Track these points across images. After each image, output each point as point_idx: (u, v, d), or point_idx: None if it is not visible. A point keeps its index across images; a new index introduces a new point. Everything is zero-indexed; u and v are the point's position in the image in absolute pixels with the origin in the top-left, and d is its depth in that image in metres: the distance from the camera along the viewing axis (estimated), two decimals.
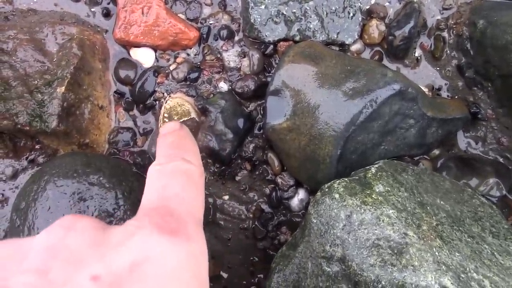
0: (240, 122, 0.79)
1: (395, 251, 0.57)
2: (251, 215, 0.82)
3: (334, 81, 0.73)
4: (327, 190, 0.65)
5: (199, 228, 0.38)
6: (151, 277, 0.30)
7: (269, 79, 0.81)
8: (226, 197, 0.82)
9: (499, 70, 0.75)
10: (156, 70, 0.84)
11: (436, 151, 0.82)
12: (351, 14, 0.80)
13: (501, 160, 0.81)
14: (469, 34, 0.79)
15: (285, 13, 0.79)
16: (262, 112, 0.82)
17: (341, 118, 0.71)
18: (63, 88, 0.75)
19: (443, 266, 0.56)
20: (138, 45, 0.83)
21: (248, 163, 0.81)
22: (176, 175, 0.43)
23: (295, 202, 0.81)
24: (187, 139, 0.50)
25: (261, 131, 0.82)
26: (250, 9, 0.79)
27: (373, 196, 0.62)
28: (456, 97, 0.83)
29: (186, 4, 0.84)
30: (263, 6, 0.78)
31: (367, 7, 0.83)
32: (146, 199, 0.41)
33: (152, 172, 0.45)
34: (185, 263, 0.32)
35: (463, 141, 0.83)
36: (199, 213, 0.41)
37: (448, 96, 0.84)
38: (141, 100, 0.83)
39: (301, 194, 0.81)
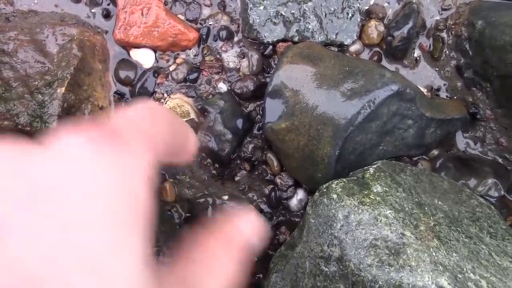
0: (239, 123, 0.80)
1: (393, 251, 0.58)
2: None
3: (333, 81, 0.73)
4: (325, 190, 0.65)
5: (143, 145, 0.30)
6: (72, 197, 0.26)
7: (268, 79, 0.81)
8: (226, 197, 0.82)
9: (497, 70, 0.75)
10: (156, 71, 0.84)
11: (435, 152, 0.82)
12: (350, 15, 0.81)
13: (500, 160, 0.81)
14: (468, 35, 0.79)
15: (284, 14, 0.79)
16: (261, 112, 0.82)
17: (340, 119, 0.71)
18: (63, 89, 0.76)
19: (440, 267, 0.56)
20: (138, 46, 0.83)
21: (247, 163, 0.82)
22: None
23: (294, 202, 0.81)
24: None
25: (260, 132, 0.82)
26: (249, 10, 0.79)
27: (371, 196, 0.62)
28: (455, 97, 0.83)
29: (185, 5, 0.85)
30: (262, 7, 0.79)
31: (366, 7, 0.83)
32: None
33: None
34: (117, 180, 0.27)
35: (462, 141, 0.83)
36: (152, 133, 0.32)
37: (447, 96, 0.84)
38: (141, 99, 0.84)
39: (300, 194, 0.81)
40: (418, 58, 0.84)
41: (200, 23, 0.85)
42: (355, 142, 0.73)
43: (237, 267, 0.40)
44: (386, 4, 0.84)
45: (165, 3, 0.84)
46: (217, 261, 0.39)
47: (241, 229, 0.41)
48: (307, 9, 0.79)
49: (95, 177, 0.26)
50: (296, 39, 0.80)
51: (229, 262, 0.39)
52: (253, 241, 0.41)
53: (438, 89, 0.84)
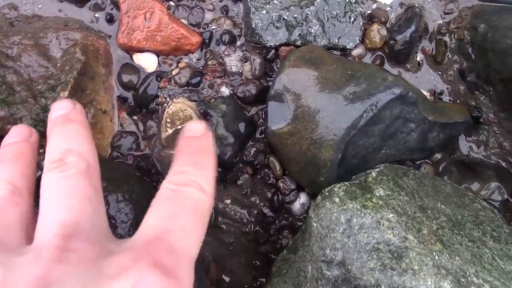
0: (242, 127, 0.80)
1: (395, 255, 0.58)
2: (252, 219, 0.82)
3: (335, 85, 0.73)
4: (327, 194, 0.65)
5: (192, 267, 0.39)
6: None
7: (270, 83, 0.81)
8: (228, 201, 0.82)
9: (500, 74, 0.75)
10: (159, 75, 0.84)
11: (438, 155, 0.82)
12: (352, 19, 0.81)
13: (503, 164, 0.81)
14: (471, 38, 0.79)
15: (286, 18, 0.79)
16: (263, 116, 0.82)
17: (342, 123, 0.71)
18: (66, 93, 0.76)
19: (443, 270, 0.56)
20: (141, 50, 0.84)
21: (249, 167, 0.82)
22: (186, 205, 0.42)
23: (296, 206, 0.81)
24: (209, 154, 0.50)
25: (263, 135, 0.82)
26: (251, 14, 0.79)
27: (373, 200, 0.62)
28: (458, 101, 0.83)
29: (188, 9, 0.85)
30: (264, 11, 0.79)
31: (369, 11, 0.84)
32: (150, 222, 0.40)
33: (164, 192, 0.44)
34: None
35: (465, 145, 0.83)
36: (196, 250, 0.41)
37: (449, 100, 0.84)
38: (144, 104, 0.84)
39: (303, 198, 0.81)
40: (420, 62, 0.84)
41: (203, 27, 0.85)
42: (358, 146, 0.73)
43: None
44: (388, 8, 0.84)
45: (168, 8, 0.84)
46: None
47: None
48: (309, 13, 0.80)
49: None
50: (298, 43, 0.80)
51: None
52: None
53: (441, 93, 0.84)
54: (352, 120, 0.71)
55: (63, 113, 0.51)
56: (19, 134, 0.54)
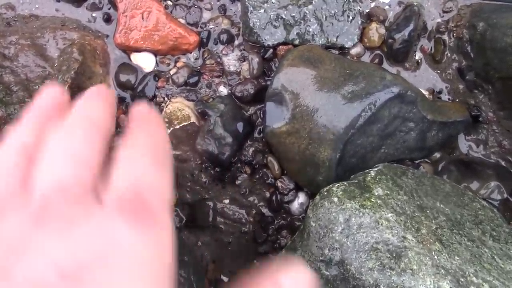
0: (240, 126, 0.79)
1: (394, 255, 0.57)
2: (251, 219, 0.82)
3: (333, 84, 0.73)
4: (326, 193, 0.64)
5: (168, 214, 0.38)
6: (118, 268, 0.30)
7: (268, 83, 0.81)
8: (227, 201, 0.82)
9: (499, 72, 0.74)
10: (157, 75, 0.84)
11: (437, 154, 0.82)
12: (351, 18, 0.80)
13: (503, 163, 0.80)
14: (469, 37, 0.79)
15: (284, 17, 0.79)
16: (261, 115, 0.82)
17: (340, 122, 0.71)
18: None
19: (442, 270, 0.56)
20: (138, 50, 0.83)
21: (248, 166, 0.81)
22: (149, 155, 0.41)
23: (295, 206, 0.81)
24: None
25: (261, 135, 0.82)
26: (249, 13, 0.79)
27: (372, 199, 0.62)
28: (457, 100, 0.83)
29: (186, 8, 0.85)
30: (262, 10, 0.79)
31: (367, 10, 0.83)
32: (120, 179, 0.40)
33: (128, 148, 0.42)
34: (153, 254, 0.33)
35: (464, 144, 0.82)
36: (169, 197, 0.40)
37: (449, 99, 0.83)
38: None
39: (301, 197, 0.81)
40: (419, 60, 0.83)
41: (201, 27, 0.85)
42: (356, 145, 0.73)
43: None
44: (387, 7, 0.83)
45: (166, 7, 0.83)
46: None
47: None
48: (307, 12, 0.79)
49: (137, 253, 0.31)
50: (296, 42, 0.80)
51: None
52: None
53: (440, 92, 0.83)
54: (350, 119, 0.71)
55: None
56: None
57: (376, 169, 0.68)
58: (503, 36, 0.72)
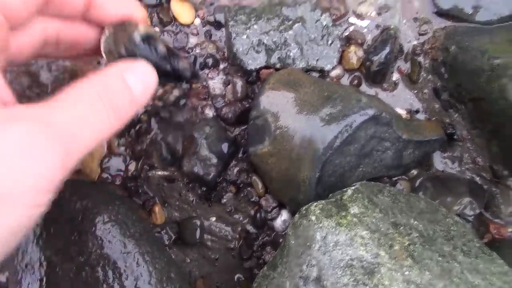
0: (225, 147, 0.83)
1: (367, 271, 0.61)
2: (237, 236, 0.85)
3: (312, 107, 0.76)
4: (304, 212, 0.68)
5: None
6: None
7: (253, 102, 0.84)
8: (213, 219, 0.85)
9: (470, 93, 0.78)
10: None
11: (414, 171, 0.85)
12: (330, 42, 0.84)
13: (477, 179, 0.84)
14: (443, 59, 0.83)
15: (266, 42, 0.83)
16: (246, 136, 0.85)
17: (319, 143, 0.74)
18: None
19: (412, 285, 0.59)
20: None
21: (233, 186, 0.85)
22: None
23: (278, 223, 0.84)
24: None
25: (245, 155, 0.85)
26: (233, 39, 0.83)
27: (348, 217, 0.65)
28: (433, 118, 0.86)
29: (173, 34, 0.89)
30: (244, 36, 0.82)
31: (346, 34, 0.87)
32: None
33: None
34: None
35: (440, 161, 0.86)
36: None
37: (425, 118, 0.87)
38: (131, 126, 0.87)
39: (284, 215, 0.84)
40: (396, 81, 0.87)
41: (188, 52, 0.88)
42: (335, 165, 0.76)
43: (114, 120, 0.39)
44: (365, 30, 0.87)
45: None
46: (90, 107, 0.37)
47: (127, 81, 0.41)
48: (288, 37, 0.83)
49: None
50: (278, 65, 0.83)
51: (105, 111, 0.38)
52: (138, 96, 0.41)
53: (417, 111, 0.87)
54: (328, 141, 0.74)
55: None
56: None
57: (353, 188, 0.71)
58: (473, 59, 0.76)
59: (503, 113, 0.72)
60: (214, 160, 0.82)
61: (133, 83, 0.41)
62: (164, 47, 0.51)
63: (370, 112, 0.74)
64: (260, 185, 0.84)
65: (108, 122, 0.38)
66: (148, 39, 0.48)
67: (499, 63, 0.71)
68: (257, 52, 0.83)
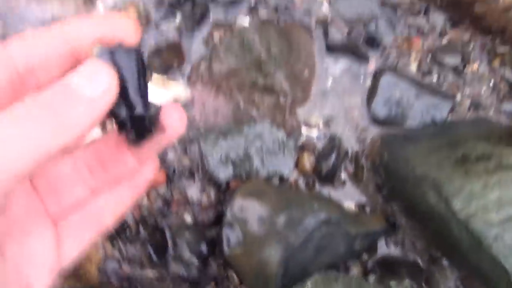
0: (204, 247, 0.98)
1: None
2: None
3: (274, 212, 0.92)
4: None
5: None
6: None
7: (224, 209, 1.00)
8: None
9: (402, 194, 0.95)
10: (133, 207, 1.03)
11: (365, 256, 1.01)
12: (286, 152, 1.01)
13: (419, 260, 0.99)
14: (380, 163, 0.99)
15: (232, 157, 0.99)
16: (220, 237, 1.01)
17: (281, 244, 0.90)
18: None
19: None
20: None
21: (213, 281, 1.00)
22: None
23: None
24: None
25: (221, 252, 1.00)
26: (203, 156, 0.99)
27: None
28: (378, 209, 1.02)
29: None
30: (214, 154, 0.98)
31: (300, 143, 1.04)
32: None
33: None
34: None
35: (385, 246, 1.01)
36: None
37: (371, 209, 1.03)
38: (122, 231, 1.02)
39: None
40: (344, 180, 1.04)
41: (167, 166, 1.04)
42: (296, 261, 0.91)
43: (56, 127, 0.31)
44: (315, 139, 1.04)
45: None
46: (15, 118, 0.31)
47: (67, 81, 0.33)
48: (250, 152, 0.99)
49: None
50: (244, 176, 0.99)
51: (35, 119, 0.31)
52: (85, 95, 0.32)
53: (364, 204, 1.03)
54: (289, 242, 0.90)
55: None
56: None
57: (310, 281, 0.87)
58: (401, 168, 0.93)
59: (428, 213, 0.88)
60: (195, 260, 0.97)
61: (77, 82, 0.33)
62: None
63: (322, 216, 0.91)
64: (235, 278, 0.99)
65: (45, 130, 0.31)
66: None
67: (420, 173, 0.88)
68: (225, 166, 0.99)
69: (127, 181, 0.43)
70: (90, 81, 0.33)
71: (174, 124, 0.40)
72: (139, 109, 0.36)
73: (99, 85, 0.33)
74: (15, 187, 0.31)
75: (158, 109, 0.39)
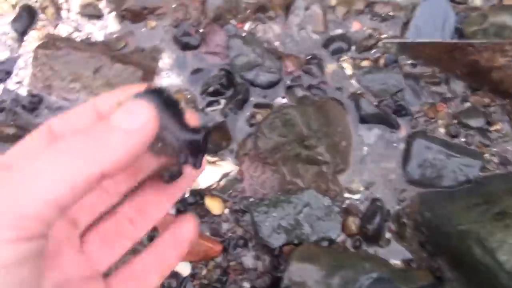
0: None
1: None
2: None
3: (328, 275, 0.99)
4: None
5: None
6: None
7: (279, 273, 1.06)
8: None
9: (446, 249, 1.02)
10: (192, 276, 1.10)
11: None
12: (332, 217, 1.08)
13: None
14: (422, 220, 1.07)
15: (284, 225, 1.07)
16: None
17: None
18: None
19: None
20: None
21: None
22: None
23: None
24: None
25: None
26: (257, 226, 1.07)
27: None
28: (423, 264, 1.09)
29: (209, 223, 1.13)
30: (267, 223, 1.07)
31: (344, 206, 1.12)
32: None
33: None
34: None
35: None
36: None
37: (417, 265, 1.09)
38: None
39: None
40: (389, 239, 1.11)
41: (222, 236, 1.12)
42: None
43: (92, 159, 0.32)
44: (357, 202, 1.12)
45: None
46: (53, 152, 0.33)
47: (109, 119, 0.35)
48: (300, 219, 1.07)
49: None
50: (296, 241, 1.07)
51: (72, 152, 0.32)
52: (122, 127, 0.34)
53: (410, 260, 1.09)
54: None
55: None
56: None
57: None
58: (443, 225, 1.00)
59: (474, 265, 0.94)
60: None
61: (115, 117, 0.34)
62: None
63: (374, 275, 0.97)
64: None
65: (82, 158, 0.32)
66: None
67: (463, 229, 0.95)
68: (278, 233, 1.07)
69: (169, 235, 0.45)
70: (128, 115, 0.34)
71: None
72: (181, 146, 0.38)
73: (137, 119, 0.34)
74: (57, 218, 0.31)
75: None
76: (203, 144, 0.39)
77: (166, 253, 0.45)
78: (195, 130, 0.39)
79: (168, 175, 0.42)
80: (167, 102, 0.37)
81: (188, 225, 0.47)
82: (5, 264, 0.29)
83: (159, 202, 0.46)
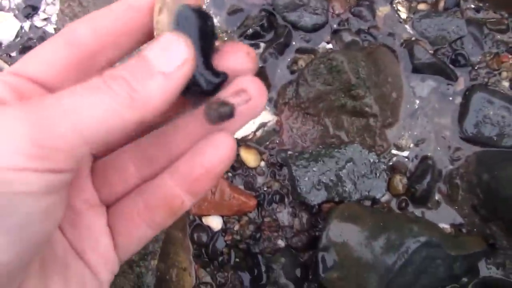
0: (298, 272, 0.98)
1: None
2: None
3: (372, 236, 0.91)
4: None
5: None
6: None
7: (317, 232, 0.99)
8: None
9: (506, 214, 0.92)
10: (224, 231, 1.03)
11: (464, 279, 0.98)
12: (378, 174, 0.99)
13: None
14: (477, 182, 0.97)
15: (324, 181, 0.98)
16: (314, 260, 1.00)
17: (380, 268, 0.89)
18: (156, 261, 0.95)
19: None
20: (208, 214, 1.03)
21: None
22: None
23: None
24: None
25: (316, 277, 0.99)
26: (296, 181, 0.99)
27: None
28: (475, 230, 0.99)
29: (243, 177, 1.05)
30: (306, 178, 0.98)
31: (390, 163, 1.02)
32: None
33: None
34: None
35: (486, 268, 0.98)
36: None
37: (468, 230, 1.00)
38: (214, 257, 1.03)
39: None
40: (439, 201, 1.01)
41: (257, 190, 1.05)
42: (396, 285, 0.89)
43: (128, 100, 0.31)
44: (406, 160, 1.03)
45: (227, 178, 1.04)
46: (89, 87, 0.31)
47: (144, 54, 0.33)
48: (342, 175, 0.99)
49: None
50: (336, 199, 0.99)
51: (109, 90, 0.30)
52: (162, 68, 0.32)
53: (460, 225, 1.00)
54: (389, 265, 0.88)
55: None
56: None
57: None
58: (505, 188, 0.90)
59: None
60: (291, 285, 0.96)
61: (153, 56, 0.32)
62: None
63: (422, 239, 0.89)
64: None
65: (121, 102, 0.31)
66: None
67: None
68: (318, 190, 0.99)
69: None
70: (166, 54, 0.32)
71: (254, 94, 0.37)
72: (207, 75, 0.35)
73: (175, 59, 0.32)
74: (87, 155, 0.31)
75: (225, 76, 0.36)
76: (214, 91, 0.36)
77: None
78: (216, 73, 0.36)
79: (216, 115, 0.36)
80: (203, 33, 0.35)
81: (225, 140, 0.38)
82: (32, 192, 0.29)
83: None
